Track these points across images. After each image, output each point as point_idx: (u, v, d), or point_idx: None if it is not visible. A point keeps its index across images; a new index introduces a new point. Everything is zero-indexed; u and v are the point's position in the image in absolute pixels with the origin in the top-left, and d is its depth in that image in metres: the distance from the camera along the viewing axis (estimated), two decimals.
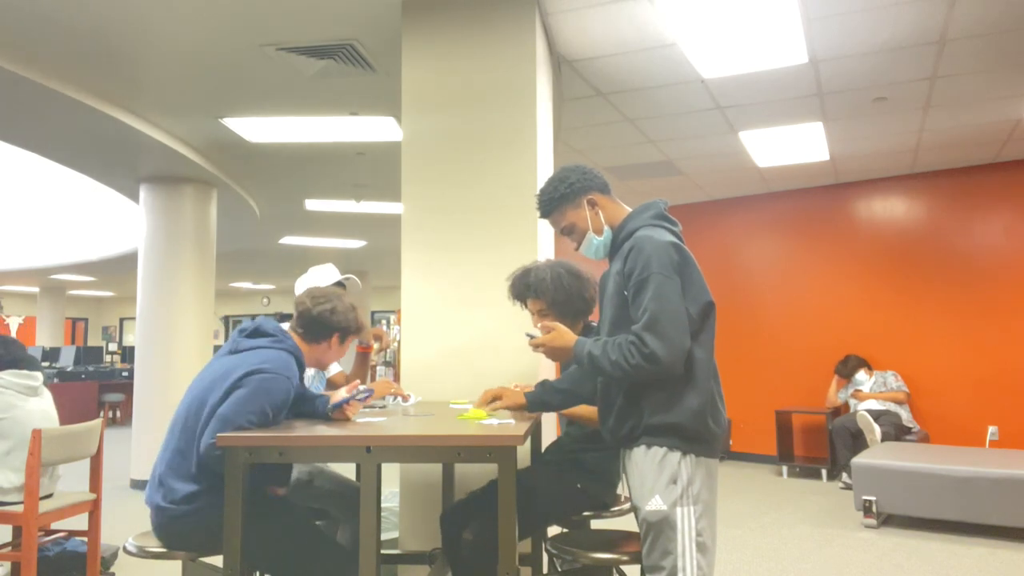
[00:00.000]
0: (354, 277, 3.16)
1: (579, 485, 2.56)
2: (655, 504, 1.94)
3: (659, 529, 1.95)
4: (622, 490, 2.81)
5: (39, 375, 3.54)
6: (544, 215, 2.22)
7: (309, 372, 3.09)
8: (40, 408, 3.48)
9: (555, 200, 2.19)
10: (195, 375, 2.40)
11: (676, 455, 1.95)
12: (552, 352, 2.17)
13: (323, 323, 2.47)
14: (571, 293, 2.58)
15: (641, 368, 1.91)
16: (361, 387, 2.37)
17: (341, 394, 2.36)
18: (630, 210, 2.21)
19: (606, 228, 2.17)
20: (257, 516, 2.15)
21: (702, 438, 1.97)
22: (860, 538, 4.72)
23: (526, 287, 2.62)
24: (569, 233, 2.21)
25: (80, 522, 3.69)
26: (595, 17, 3.78)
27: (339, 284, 3.13)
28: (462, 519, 2.68)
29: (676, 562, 1.92)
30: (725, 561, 4.23)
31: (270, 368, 2.23)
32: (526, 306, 2.70)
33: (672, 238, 2.03)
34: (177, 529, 2.23)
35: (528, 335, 2.23)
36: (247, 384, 2.17)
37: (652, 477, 1.96)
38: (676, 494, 1.94)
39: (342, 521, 3.00)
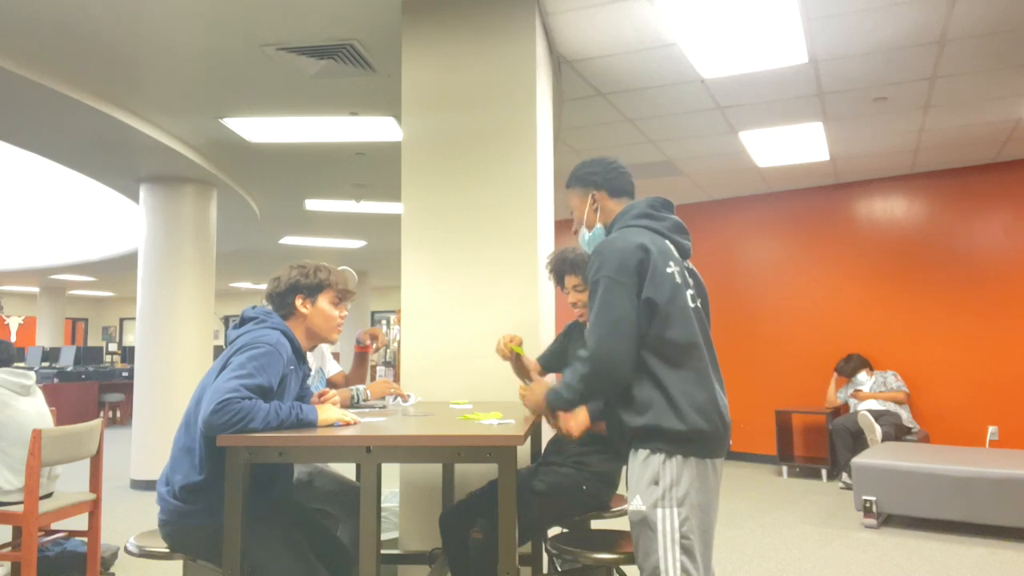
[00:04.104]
0: (349, 269, 3.15)
1: (584, 487, 2.57)
2: (635, 504, 1.95)
3: (639, 529, 1.95)
4: (623, 490, 2.82)
5: (32, 375, 3.55)
6: (566, 185, 2.33)
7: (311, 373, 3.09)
8: (35, 407, 3.48)
9: (572, 180, 2.30)
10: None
11: (659, 456, 1.94)
12: (533, 406, 2.30)
13: (281, 294, 2.43)
14: None
15: (589, 380, 1.97)
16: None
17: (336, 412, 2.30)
18: None
19: (598, 226, 2.24)
20: (258, 518, 2.15)
21: (687, 438, 1.93)
22: (860, 538, 4.72)
23: (562, 262, 2.71)
24: (571, 214, 2.32)
25: (80, 522, 3.69)
26: (595, 17, 3.78)
27: None
28: (462, 520, 2.68)
29: (658, 563, 1.91)
30: (725, 561, 4.23)
31: (254, 340, 2.22)
32: (563, 285, 2.76)
33: (641, 239, 2.02)
34: (180, 526, 2.21)
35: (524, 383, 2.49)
36: (235, 359, 2.16)
37: (636, 477, 1.97)
38: (657, 495, 1.92)
39: (342, 521, 3.00)
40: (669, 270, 2.01)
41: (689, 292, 2.06)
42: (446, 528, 2.72)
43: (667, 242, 2.09)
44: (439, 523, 2.76)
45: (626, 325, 1.94)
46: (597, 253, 2.04)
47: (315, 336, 2.48)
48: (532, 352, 3.15)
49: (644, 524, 1.93)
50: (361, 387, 2.93)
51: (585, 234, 2.26)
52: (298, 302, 2.43)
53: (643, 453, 1.96)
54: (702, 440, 1.95)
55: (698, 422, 1.93)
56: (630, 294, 1.96)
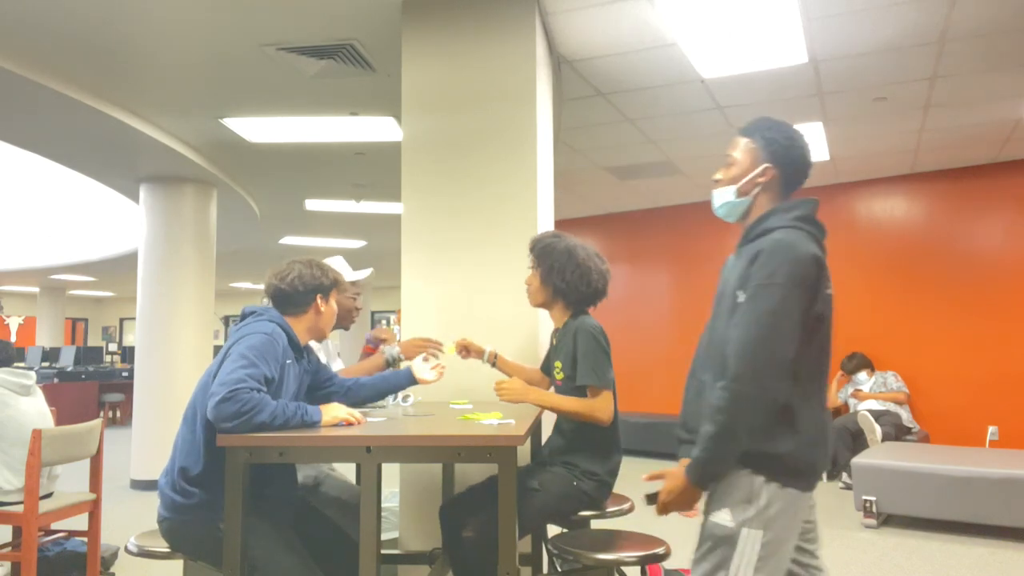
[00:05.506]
0: (371, 270, 3.16)
1: (575, 483, 2.57)
2: (722, 518, 1.81)
3: (716, 543, 1.82)
4: (625, 491, 2.82)
5: (32, 374, 3.55)
6: (743, 131, 1.99)
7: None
8: (35, 407, 3.48)
9: (756, 133, 1.94)
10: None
11: (760, 478, 1.79)
12: (511, 397, 2.47)
13: (297, 292, 2.43)
14: (555, 266, 2.65)
15: (733, 405, 1.73)
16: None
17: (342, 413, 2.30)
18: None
19: (748, 199, 1.94)
20: (258, 517, 2.15)
21: (794, 470, 1.80)
22: (860, 538, 4.72)
23: (532, 240, 2.77)
24: (726, 165, 1.98)
25: (80, 522, 3.69)
26: (595, 17, 3.78)
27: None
28: (461, 512, 2.69)
29: None
30: None
31: (250, 332, 2.25)
32: None
33: (815, 249, 1.80)
34: (179, 522, 2.21)
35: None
36: (234, 350, 2.19)
37: (728, 490, 1.82)
38: (748, 514, 1.78)
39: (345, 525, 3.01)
40: (828, 291, 1.82)
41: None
42: (445, 521, 2.73)
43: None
44: (439, 515, 2.76)
45: (789, 341, 1.72)
46: (770, 255, 1.76)
47: (318, 331, 2.52)
48: (532, 354, 3.16)
49: (726, 540, 1.80)
50: (395, 349, 2.94)
51: (730, 196, 1.95)
52: (318, 300, 2.47)
53: (743, 470, 1.80)
54: (807, 472, 1.82)
55: (810, 455, 1.79)
56: (801, 310, 1.74)
